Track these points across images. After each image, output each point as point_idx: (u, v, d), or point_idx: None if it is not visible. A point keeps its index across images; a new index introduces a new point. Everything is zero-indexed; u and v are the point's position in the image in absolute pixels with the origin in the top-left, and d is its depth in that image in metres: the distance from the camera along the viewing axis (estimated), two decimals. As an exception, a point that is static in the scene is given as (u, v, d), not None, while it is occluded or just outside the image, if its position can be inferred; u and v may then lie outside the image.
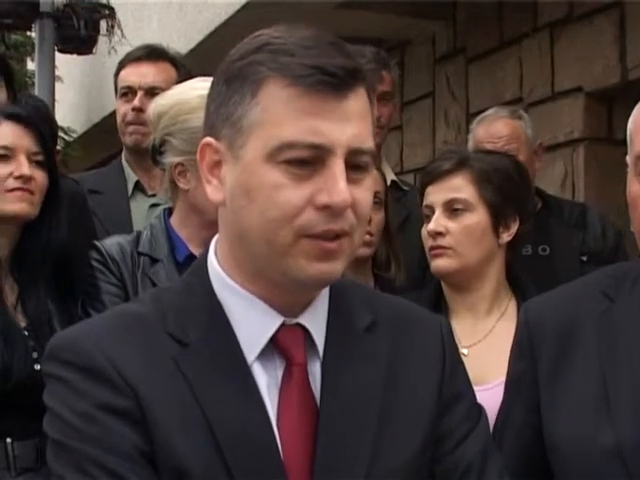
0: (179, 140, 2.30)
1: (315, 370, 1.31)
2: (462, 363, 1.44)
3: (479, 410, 1.42)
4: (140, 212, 3.19)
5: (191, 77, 2.51)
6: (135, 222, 3.12)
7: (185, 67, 3.39)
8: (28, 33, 7.77)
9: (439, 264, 2.34)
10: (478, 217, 2.32)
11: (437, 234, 2.33)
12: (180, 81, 3.11)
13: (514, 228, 2.36)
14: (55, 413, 1.25)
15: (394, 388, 1.33)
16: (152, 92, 3.18)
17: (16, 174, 2.35)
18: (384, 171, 3.12)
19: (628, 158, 1.56)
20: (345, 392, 1.29)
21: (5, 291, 2.38)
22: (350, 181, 1.22)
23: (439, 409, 1.35)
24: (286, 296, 1.29)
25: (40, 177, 2.40)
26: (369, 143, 1.25)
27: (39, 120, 2.54)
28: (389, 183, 3.19)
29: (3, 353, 2.26)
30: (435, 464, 1.34)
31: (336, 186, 1.20)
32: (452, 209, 2.33)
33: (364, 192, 1.25)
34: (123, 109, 3.34)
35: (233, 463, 1.22)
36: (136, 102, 3.27)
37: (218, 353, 1.27)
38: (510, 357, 1.66)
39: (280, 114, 1.20)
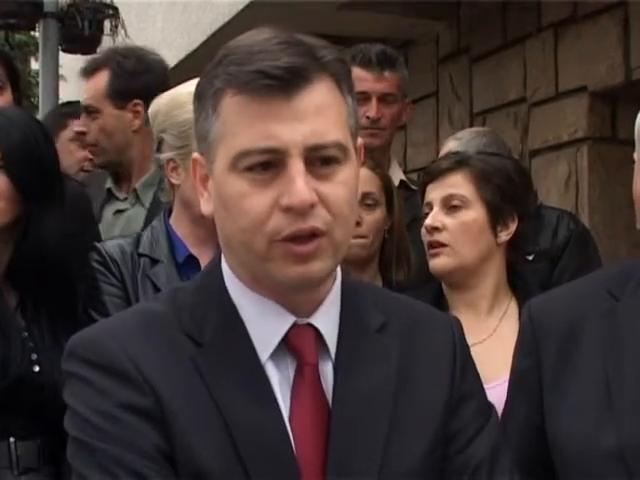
0: (170, 136, 2.34)
1: (327, 370, 1.32)
2: (473, 362, 1.45)
3: (489, 408, 1.43)
4: (105, 218, 3.18)
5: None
6: (102, 229, 3.08)
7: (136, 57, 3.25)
8: (32, 33, 7.79)
9: (437, 263, 2.35)
10: (475, 214, 2.33)
11: (434, 229, 2.34)
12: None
13: (512, 227, 2.37)
14: (76, 412, 1.25)
15: (405, 388, 1.34)
16: (87, 110, 3.19)
17: None
18: (393, 170, 3.10)
19: (635, 155, 1.55)
20: (357, 392, 1.31)
21: (4, 295, 2.36)
22: (317, 177, 1.23)
23: (449, 409, 1.36)
24: (290, 296, 1.30)
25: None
26: (333, 136, 1.24)
27: None
28: (397, 183, 3.18)
29: (0, 348, 2.25)
30: (446, 463, 1.35)
31: (294, 187, 1.21)
32: (450, 205, 2.34)
33: (336, 186, 1.25)
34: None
35: (249, 461, 1.23)
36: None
37: (232, 353, 1.28)
38: (514, 354, 1.66)
39: (235, 124, 1.24)
